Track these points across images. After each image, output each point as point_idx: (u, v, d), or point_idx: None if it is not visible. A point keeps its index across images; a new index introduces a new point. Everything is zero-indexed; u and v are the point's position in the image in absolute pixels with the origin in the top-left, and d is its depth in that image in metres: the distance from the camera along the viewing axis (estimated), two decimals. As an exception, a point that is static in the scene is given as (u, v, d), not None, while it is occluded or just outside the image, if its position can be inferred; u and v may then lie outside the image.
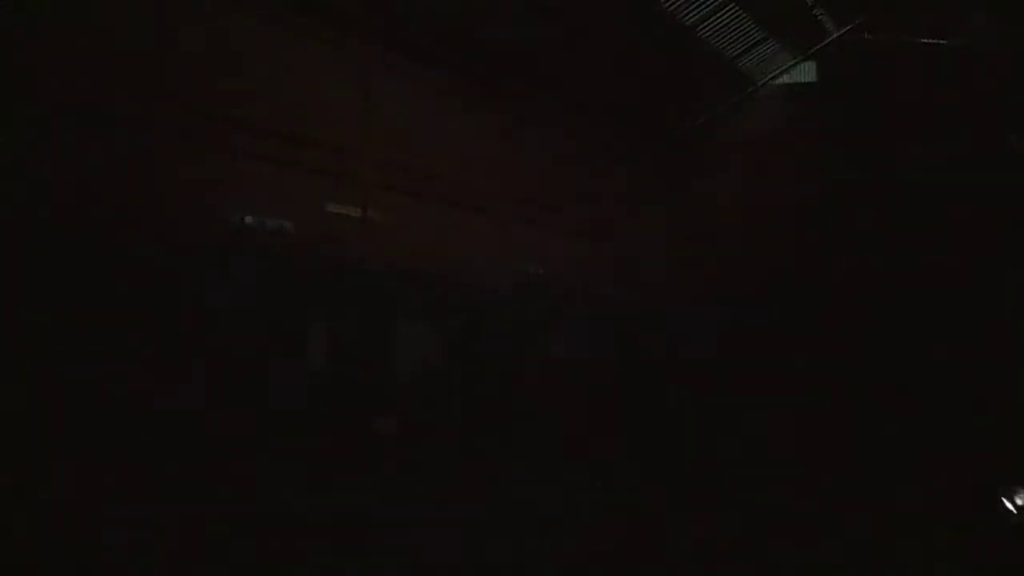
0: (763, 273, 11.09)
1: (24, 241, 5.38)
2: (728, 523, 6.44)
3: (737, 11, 10.40)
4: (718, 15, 10.38)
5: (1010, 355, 8.06)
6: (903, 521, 6.16)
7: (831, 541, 5.87)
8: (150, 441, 5.66)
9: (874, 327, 9.62)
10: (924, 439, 8.31)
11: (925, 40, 9.95)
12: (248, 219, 7.03)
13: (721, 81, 11.90)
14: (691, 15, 10.16)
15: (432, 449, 8.09)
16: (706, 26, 10.51)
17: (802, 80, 11.93)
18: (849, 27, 11.14)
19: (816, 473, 7.75)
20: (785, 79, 12.10)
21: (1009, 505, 5.87)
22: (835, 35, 11.37)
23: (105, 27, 6.10)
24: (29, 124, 5.52)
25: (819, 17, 11.03)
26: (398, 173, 8.65)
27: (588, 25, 9.67)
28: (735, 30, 10.86)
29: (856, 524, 6.21)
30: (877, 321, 9.62)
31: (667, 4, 9.75)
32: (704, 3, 10.04)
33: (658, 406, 10.72)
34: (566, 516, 6.58)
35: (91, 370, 5.55)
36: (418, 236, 8.77)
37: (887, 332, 9.45)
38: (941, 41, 9.72)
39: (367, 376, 7.94)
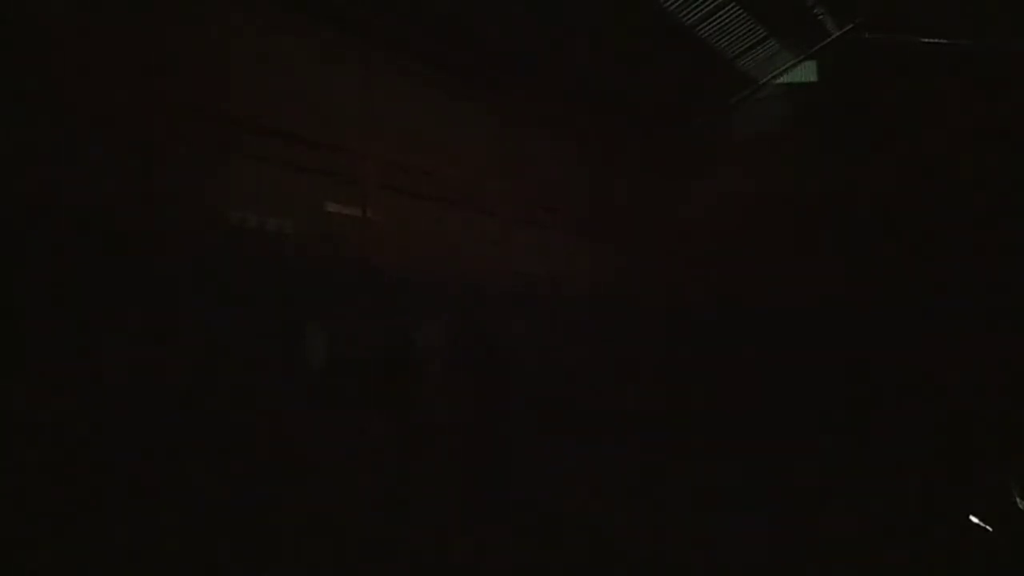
0: (762, 273, 11.10)
1: (23, 241, 5.38)
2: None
3: (737, 11, 10.43)
4: (718, 15, 10.41)
5: (1010, 359, 8.05)
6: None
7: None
8: (148, 442, 5.66)
9: (872, 328, 9.62)
10: (926, 442, 8.31)
11: (925, 40, 9.95)
12: (248, 219, 7.03)
13: (721, 81, 11.91)
14: (691, 15, 10.19)
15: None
16: (706, 26, 10.53)
17: (802, 80, 11.93)
18: (849, 26, 11.15)
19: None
20: (785, 79, 12.11)
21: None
22: (835, 35, 11.38)
23: (105, 26, 6.10)
24: (29, 124, 5.53)
25: (819, 16, 11.04)
26: (398, 173, 8.65)
27: (588, 25, 9.68)
28: (735, 30, 10.88)
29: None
30: (875, 322, 9.62)
31: (667, 3, 9.76)
32: (704, 2, 10.06)
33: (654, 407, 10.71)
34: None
35: (90, 370, 5.55)
36: (418, 236, 8.77)
37: (885, 334, 9.45)
38: (942, 41, 9.73)
39: (367, 376, 7.92)
